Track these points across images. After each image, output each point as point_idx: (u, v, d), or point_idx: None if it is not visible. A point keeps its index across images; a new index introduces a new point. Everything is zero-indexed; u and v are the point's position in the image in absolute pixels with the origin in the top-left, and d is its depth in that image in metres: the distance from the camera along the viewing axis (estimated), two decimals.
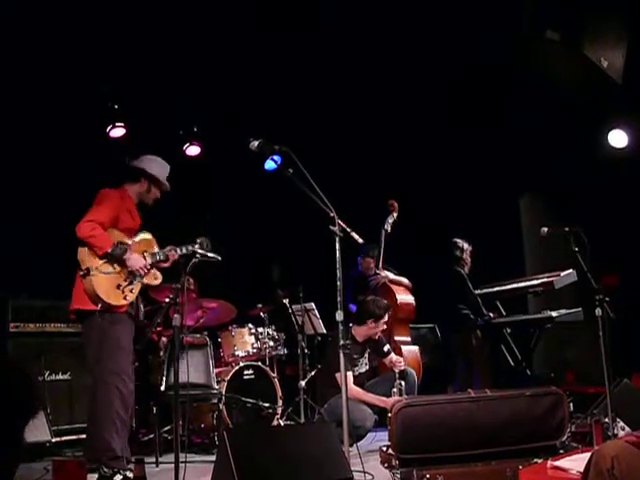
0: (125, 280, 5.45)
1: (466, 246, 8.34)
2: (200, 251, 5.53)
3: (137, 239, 5.66)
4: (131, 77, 7.62)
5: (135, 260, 5.45)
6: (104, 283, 5.35)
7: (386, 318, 7.08)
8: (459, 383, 7.85)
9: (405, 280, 8.43)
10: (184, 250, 5.70)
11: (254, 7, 7.41)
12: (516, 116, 8.64)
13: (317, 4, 7.49)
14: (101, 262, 5.35)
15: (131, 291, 5.49)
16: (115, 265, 5.41)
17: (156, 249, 5.73)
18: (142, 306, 5.80)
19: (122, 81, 7.64)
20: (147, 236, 5.77)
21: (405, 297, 8.23)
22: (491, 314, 8.12)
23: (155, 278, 5.70)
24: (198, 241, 5.75)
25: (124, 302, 5.43)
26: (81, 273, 5.34)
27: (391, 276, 8.34)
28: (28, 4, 6.62)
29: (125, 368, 5.38)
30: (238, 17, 7.50)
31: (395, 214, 8.28)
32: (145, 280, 5.58)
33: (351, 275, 8.56)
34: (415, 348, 8.17)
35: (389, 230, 8.25)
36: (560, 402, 4.89)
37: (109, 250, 5.32)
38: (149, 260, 5.60)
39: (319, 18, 7.68)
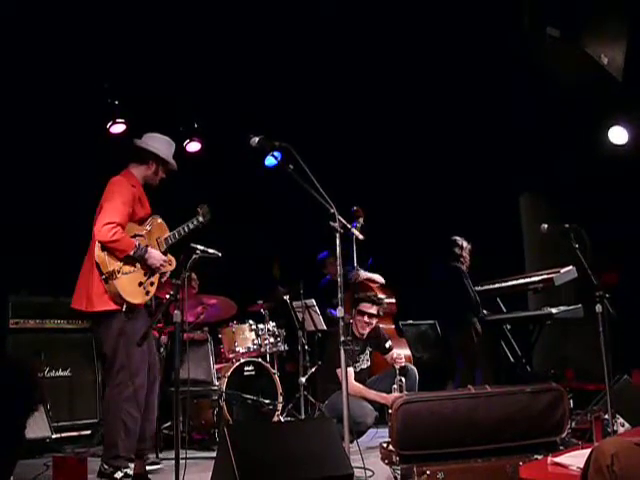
0: (145, 275, 5.38)
1: (465, 244, 8.34)
2: (200, 247, 5.48)
3: (149, 227, 5.55)
4: (131, 73, 7.61)
5: (155, 258, 5.37)
6: (127, 284, 5.25)
7: (371, 310, 7.04)
8: (460, 380, 7.84)
9: (378, 277, 8.55)
10: (190, 226, 5.64)
11: (254, 4, 7.41)
12: (516, 114, 8.64)
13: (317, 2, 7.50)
14: (122, 263, 5.25)
15: (151, 284, 5.42)
16: (135, 263, 5.32)
17: (167, 233, 5.63)
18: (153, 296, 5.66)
19: (122, 77, 7.63)
20: (157, 221, 5.66)
21: (384, 296, 8.33)
22: (485, 311, 8.12)
23: (170, 264, 5.58)
24: (200, 211, 5.69)
25: (147, 298, 5.39)
26: (103, 277, 5.20)
27: (366, 274, 8.43)
28: (29, 3, 6.61)
29: (138, 365, 5.28)
30: (238, 13, 7.50)
31: (362, 219, 8.27)
32: (162, 269, 5.50)
33: (322, 283, 8.60)
34: (403, 341, 8.39)
35: (359, 236, 8.29)
36: (560, 398, 4.89)
37: (131, 253, 5.23)
38: (163, 247, 5.54)
39: (319, 15, 7.68)
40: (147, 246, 5.36)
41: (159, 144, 5.64)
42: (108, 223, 5.17)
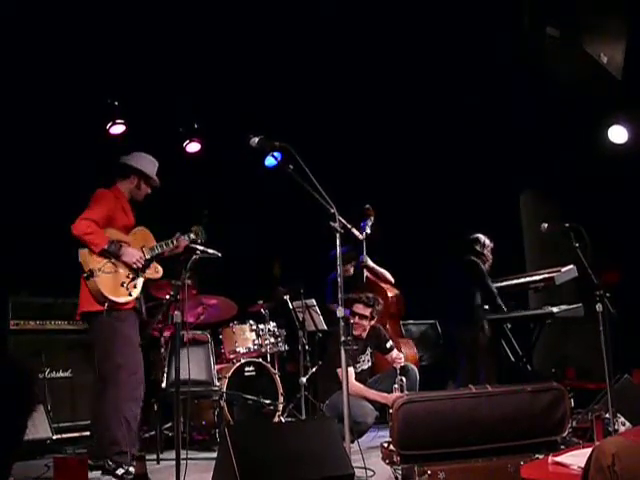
0: (127, 277, 5.56)
1: (487, 242, 8.26)
2: (199, 247, 5.57)
3: (134, 234, 5.78)
4: (131, 74, 7.60)
5: (130, 254, 5.56)
6: (108, 282, 5.44)
7: (362, 311, 7.05)
8: (461, 379, 7.80)
9: (386, 272, 8.62)
10: (186, 238, 5.88)
11: (253, 4, 7.40)
12: (516, 112, 8.63)
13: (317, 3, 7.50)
14: (103, 262, 5.45)
15: (134, 287, 5.58)
16: (117, 264, 5.51)
17: (154, 243, 5.84)
18: (143, 302, 5.85)
19: (122, 78, 7.62)
20: (144, 231, 5.88)
21: (393, 295, 8.50)
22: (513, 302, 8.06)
23: (156, 272, 5.79)
24: (193, 229, 5.94)
25: (130, 298, 5.54)
26: (84, 275, 5.43)
27: (373, 264, 8.53)
28: (29, 3, 6.61)
29: (134, 364, 5.48)
30: (237, 13, 7.49)
31: (372, 218, 8.35)
32: (147, 274, 5.69)
33: (331, 276, 8.59)
34: (410, 341, 8.48)
35: (359, 235, 8.35)
36: (561, 398, 4.89)
37: (105, 247, 5.42)
38: (147, 255, 5.70)
39: (319, 15, 7.68)
40: (121, 245, 5.55)
41: (141, 161, 5.95)
42: (83, 218, 5.46)
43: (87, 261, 5.44)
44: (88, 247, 5.43)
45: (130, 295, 5.54)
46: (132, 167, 5.89)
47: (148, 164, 5.97)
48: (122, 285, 5.52)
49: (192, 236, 5.92)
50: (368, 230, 8.34)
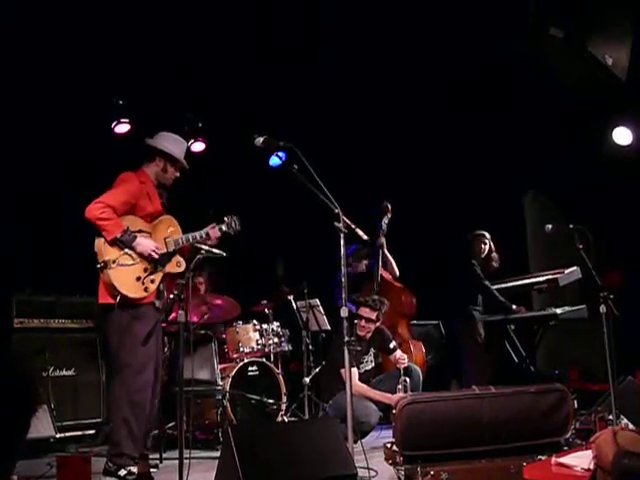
0: (145, 271, 5.31)
1: (488, 237, 8.24)
2: (204, 247, 5.47)
3: (157, 224, 5.53)
4: (136, 73, 7.61)
5: (144, 245, 5.27)
6: (123, 276, 5.20)
7: (369, 315, 7.06)
8: (465, 379, 7.76)
9: (394, 263, 8.66)
10: (223, 228, 5.66)
11: (258, 3, 7.42)
12: (520, 114, 8.63)
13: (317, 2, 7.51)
14: (119, 253, 5.20)
15: (151, 282, 5.33)
16: (134, 256, 5.25)
17: (179, 234, 5.58)
18: (164, 297, 5.57)
19: (127, 77, 7.62)
20: (170, 220, 5.62)
21: (406, 296, 8.49)
22: (514, 306, 7.97)
23: (178, 265, 5.51)
24: (225, 220, 5.70)
25: (144, 294, 5.29)
26: (98, 266, 5.19)
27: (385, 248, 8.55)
28: (35, 2, 6.62)
29: (141, 364, 5.26)
30: (242, 13, 7.50)
31: (389, 215, 8.36)
32: (167, 268, 5.44)
33: (339, 276, 8.57)
34: (419, 343, 8.43)
35: (385, 231, 8.38)
36: (564, 399, 4.89)
37: (118, 235, 5.16)
38: (170, 247, 5.47)
39: (319, 17, 7.69)
40: (136, 235, 5.28)
41: (166, 142, 5.65)
42: (98, 202, 5.18)
43: (102, 251, 5.17)
44: (100, 233, 5.15)
45: (146, 290, 5.28)
46: (156, 149, 5.59)
47: (174, 145, 5.66)
48: (138, 280, 5.26)
49: (224, 227, 5.68)
50: (384, 227, 8.39)
